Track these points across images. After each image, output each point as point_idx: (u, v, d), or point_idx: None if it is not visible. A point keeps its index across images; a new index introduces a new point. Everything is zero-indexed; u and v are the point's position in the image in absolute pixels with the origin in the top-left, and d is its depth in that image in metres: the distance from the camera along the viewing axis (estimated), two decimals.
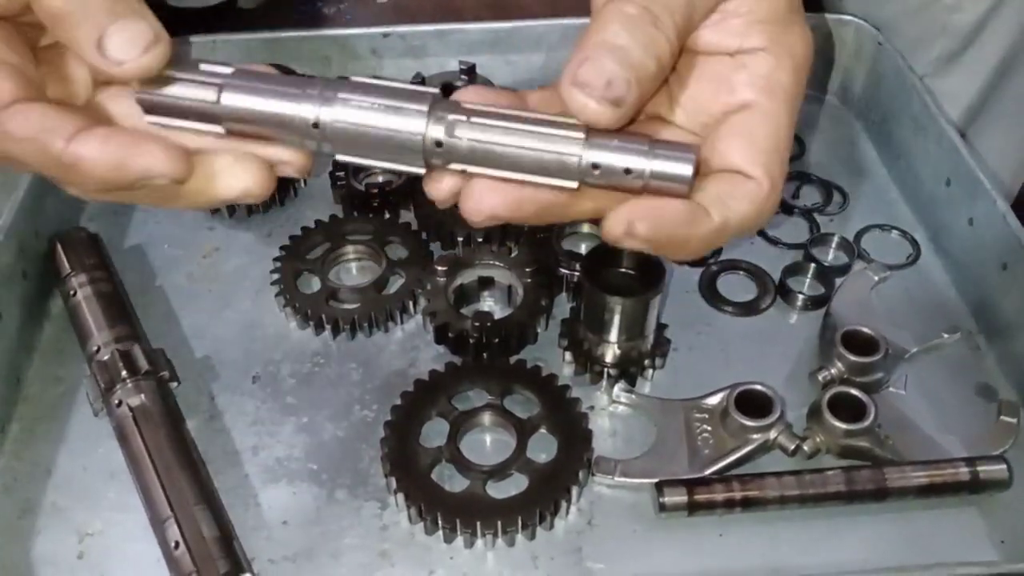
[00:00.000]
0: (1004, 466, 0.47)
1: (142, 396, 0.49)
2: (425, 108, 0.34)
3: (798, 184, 0.66)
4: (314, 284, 0.58)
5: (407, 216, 0.63)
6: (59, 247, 0.56)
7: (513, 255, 0.58)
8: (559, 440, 0.49)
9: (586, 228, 0.61)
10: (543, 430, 0.50)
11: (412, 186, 0.63)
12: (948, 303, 0.58)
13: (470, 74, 0.67)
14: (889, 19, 0.69)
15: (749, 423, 0.48)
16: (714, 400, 0.51)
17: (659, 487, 0.47)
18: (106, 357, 0.51)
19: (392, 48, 0.69)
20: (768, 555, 0.46)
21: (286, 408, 0.53)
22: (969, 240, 0.57)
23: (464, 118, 0.34)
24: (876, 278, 0.58)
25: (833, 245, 0.62)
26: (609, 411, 0.52)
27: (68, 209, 0.62)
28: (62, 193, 0.58)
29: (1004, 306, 0.54)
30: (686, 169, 0.34)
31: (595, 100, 0.35)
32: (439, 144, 0.34)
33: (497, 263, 0.57)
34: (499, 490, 0.47)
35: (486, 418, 0.51)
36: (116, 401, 0.49)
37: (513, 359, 0.54)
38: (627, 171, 0.34)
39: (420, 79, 0.66)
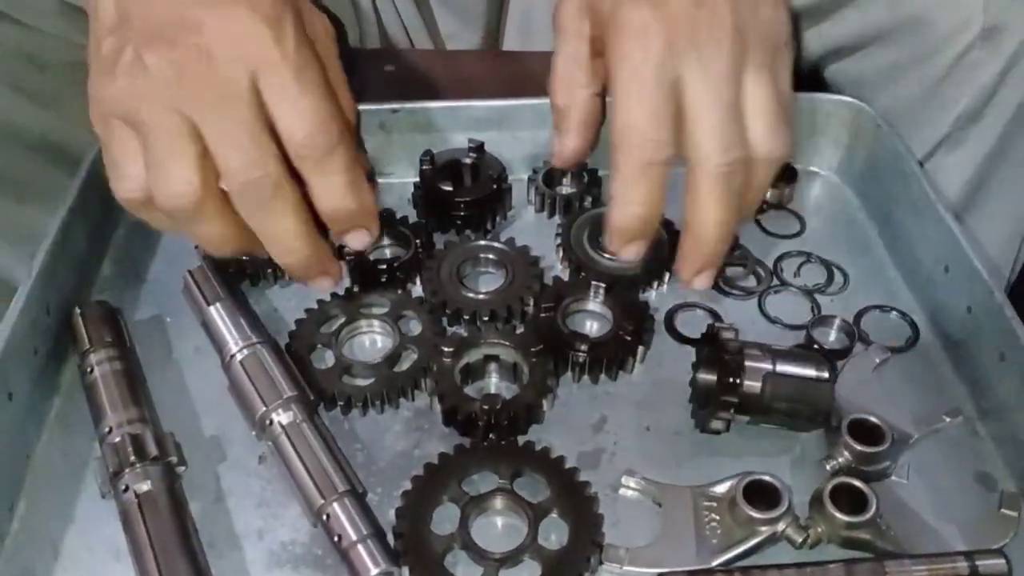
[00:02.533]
0: (1003, 560, 0.46)
1: (149, 483, 0.49)
2: None
3: (800, 263, 0.66)
4: (328, 358, 0.58)
5: (416, 290, 0.63)
6: (79, 321, 0.56)
7: (518, 333, 0.58)
8: (570, 525, 0.48)
9: (591, 306, 0.61)
10: (554, 515, 0.49)
11: (419, 260, 0.63)
12: (947, 387, 0.57)
13: (479, 151, 0.67)
14: (888, 105, 0.69)
15: (757, 515, 0.48)
16: (722, 488, 0.50)
17: None
18: (117, 439, 0.50)
19: (401, 123, 0.69)
20: None
21: (292, 490, 0.51)
22: (968, 327, 0.57)
23: None
24: (877, 360, 0.58)
25: (835, 327, 0.61)
26: (616, 495, 0.52)
27: (79, 281, 0.61)
28: (73, 265, 0.60)
29: (1002, 394, 0.53)
30: None
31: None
32: None
33: (503, 342, 0.57)
34: None
35: (497, 502, 0.50)
36: (123, 486, 0.48)
37: (522, 440, 0.53)
38: None
39: (429, 155, 0.67)
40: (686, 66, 0.49)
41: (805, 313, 0.63)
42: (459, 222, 0.67)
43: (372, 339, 0.60)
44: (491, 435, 0.53)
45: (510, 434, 0.54)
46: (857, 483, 0.49)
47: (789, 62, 0.53)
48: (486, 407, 0.53)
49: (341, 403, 0.55)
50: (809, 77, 0.78)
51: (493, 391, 0.57)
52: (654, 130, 0.49)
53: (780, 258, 0.66)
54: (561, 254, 0.65)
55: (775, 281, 0.65)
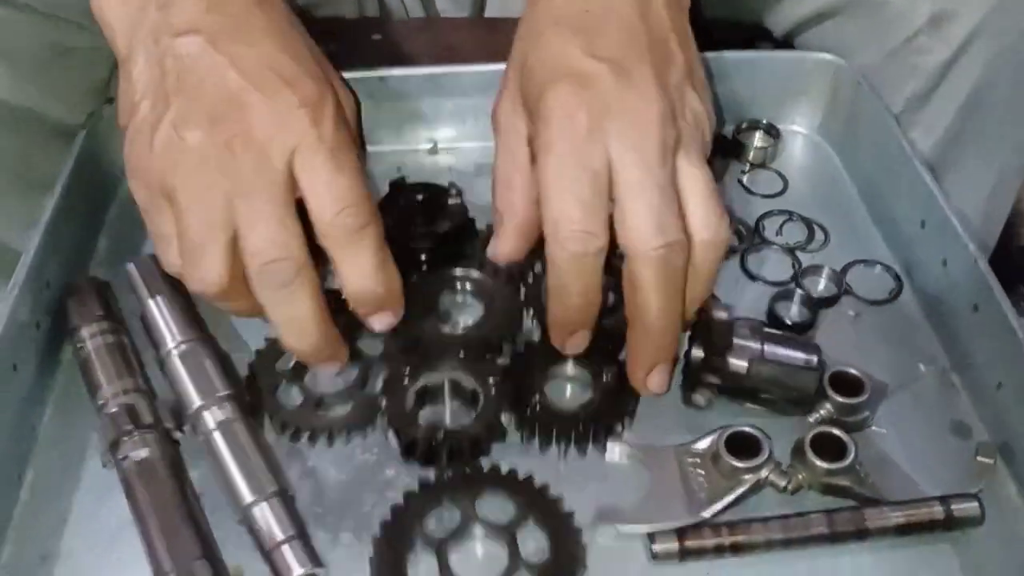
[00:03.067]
0: (976, 503, 0.48)
1: (146, 450, 0.50)
2: None
3: (782, 221, 0.67)
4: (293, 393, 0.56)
5: None
6: (68, 299, 0.57)
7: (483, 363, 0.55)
8: (549, 534, 0.48)
9: (569, 371, 0.56)
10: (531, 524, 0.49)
11: None
12: (923, 339, 0.59)
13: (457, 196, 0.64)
14: (863, 64, 0.70)
15: (741, 465, 0.49)
16: (704, 444, 0.52)
17: (651, 536, 0.48)
18: (113, 410, 0.51)
19: (389, 91, 0.70)
20: None
21: (292, 452, 0.53)
22: (943, 280, 0.58)
23: None
24: (853, 314, 0.60)
25: (823, 276, 0.63)
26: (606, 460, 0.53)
27: (76, 257, 0.62)
28: (70, 243, 0.61)
29: (975, 345, 0.55)
30: None
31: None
32: None
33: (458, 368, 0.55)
34: None
35: (471, 533, 0.49)
36: (122, 455, 0.50)
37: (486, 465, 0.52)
38: None
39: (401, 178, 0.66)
40: (614, 148, 0.47)
41: (787, 270, 0.64)
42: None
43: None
44: (445, 462, 0.52)
45: (470, 459, 0.52)
46: (837, 432, 0.51)
47: (707, 155, 0.52)
48: (435, 435, 0.51)
49: (323, 435, 0.54)
50: (782, 45, 0.80)
51: (449, 418, 0.55)
52: (584, 220, 0.47)
53: (762, 217, 0.67)
54: (532, 313, 0.59)
55: (757, 239, 0.66)
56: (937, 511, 0.49)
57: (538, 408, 0.53)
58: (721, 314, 0.53)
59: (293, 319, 0.50)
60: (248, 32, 0.50)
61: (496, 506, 0.50)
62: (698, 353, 0.54)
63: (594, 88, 0.48)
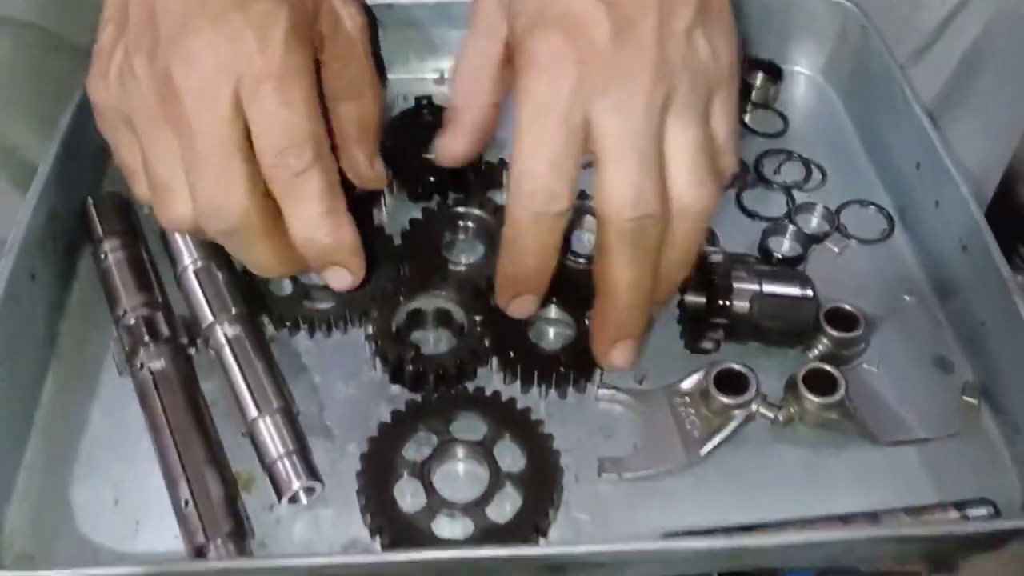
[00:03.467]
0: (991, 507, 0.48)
1: (162, 360, 0.51)
2: None
3: (781, 160, 0.68)
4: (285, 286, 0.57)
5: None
6: (92, 211, 0.58)
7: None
8: (524, 448, 0.50)
9: (552, 313, 0.57)
10: (506, 440, 0.51)
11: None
12: (914, 278, 0.61)
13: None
14: (880, 3, 0.70)
15: (730, 401, 0.51)
16: (691, 383, 0.53)
17: None
18: (131, 322, 0.53)
19: (396, 19, 0.70)
20: (748, 501, 0.49)
21: (299, 369, 0.55)
22: (935, 221, 0.59)
23: None
24: (847, 251, 0.62)
25: (816, 214, 0.64)
26: (597, 406, 0.54)
27: (91, 173, 0.63)
28: (85, 161, 0.62)
29: (962, 285, 0.57)
30: None
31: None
32: None
33: (445, 294, 0.56)
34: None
35: (455, 453, 0.51)
36: (139, 364, 0.52)
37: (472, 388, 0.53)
38: None
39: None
40: (597, 107, 0.43)
41: (781, 207, 0.65)
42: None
43: None
44: (429, 386, 0.53)
45: (453, 384, 0.53)
46: (828, 368, 0.52)
47: (731, 99, 0.47)
48: (418, 357, 0.53)
49: (305, 326, 0.56)
50: None
51: (433, 344, 0.56)
52: (550, 179, 0.44)
53: (762, 155, 0.69)
54: None
55: (754, 177, 0.67)
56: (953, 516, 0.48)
57: (520, 350, 0.54)
58: (717, 257, 0.54)
59: (254, 262, 0.48)
60: None
61: (472, 426, 0.52)
62: (699, 299, 0.55)
63: (586, 37, 0.44)
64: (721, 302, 0.53)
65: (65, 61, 0.66)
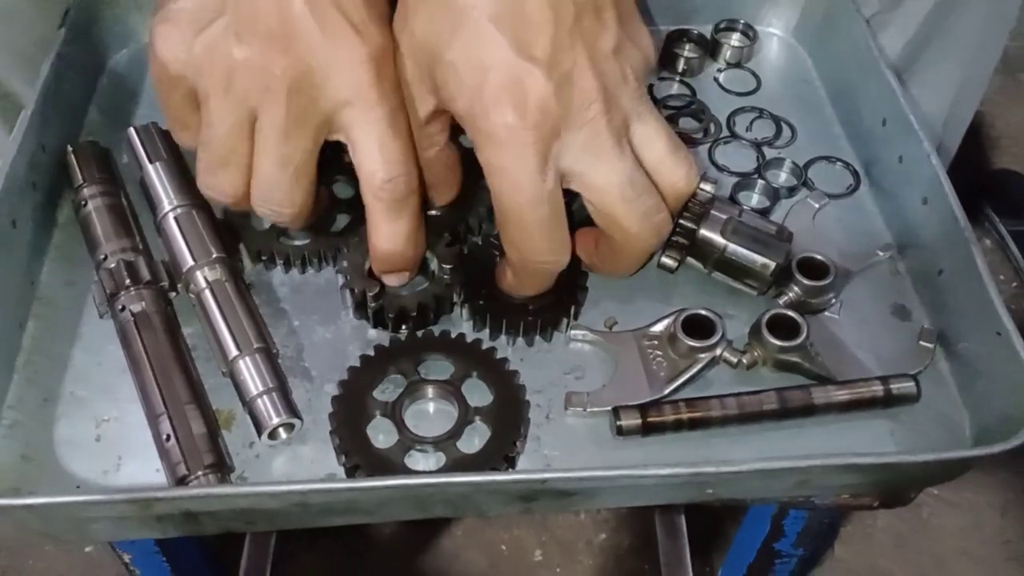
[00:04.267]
0: (912, 383, 0.52)
1: (143, 303, 0.53)
2: None
3: (752, 118, 0.69)
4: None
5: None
6: (73, 159, 0.59)
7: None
8: (492, 387, 0.52)
9: None
10: (475, 378, 0.52)
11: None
12: (877, 231, 0.62)
13: None
14: None
15: (696, 344, 0.53)
16: (661, 327, 0.55)
17: (615, 412, 0.51)
18: (112, 265, 0.54)
19: None
20: (709, 457, 0.51)
21: (278, 313, 0.56)
22: (898, 175, 0.61)
23: None
24: (816, 206, 0.62)
25: (784, 169, 0.66)
26: (568, 349, 0.55)
27: (70, 124, 0.64)
28: (64, 109, 0.63)
29: (922, 236, 0.58)
30: None
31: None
32: None
33: None
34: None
35: (424, 393, 0.53)
36: (120, 306, 0.52)
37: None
38: None
39: None
40: (568, 159, 0.47)
41: (752, 162, 0.67)
42: None
43: None
44: (391, 324, 0.55)
45: (419, 326, 0.55)
46: (791, 313, 0.54)
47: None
48: (380, 296, 0.54)
49: (281, 262, 0.57)
50: None
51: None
52: (546, 250, 0.49)
53: (734, 113, 0.70)
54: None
55: (726, 134, 0.69)
56: (878, 389, 0.52)
57: (490, 297, 0.55)
58: (707, 187, 0.55)
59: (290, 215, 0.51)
60: None
61: (440, 367, 0.54)
62: (676, 219, 0.56)
63: (533, 102, 0.45)
64: (686, 222, 0.55)
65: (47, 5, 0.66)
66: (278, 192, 0.49)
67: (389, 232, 0.50)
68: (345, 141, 0.49)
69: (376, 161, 0.48)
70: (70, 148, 0.60)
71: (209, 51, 0.47)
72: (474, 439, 0.51)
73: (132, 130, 0.60)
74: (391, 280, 0.54)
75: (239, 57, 0.46)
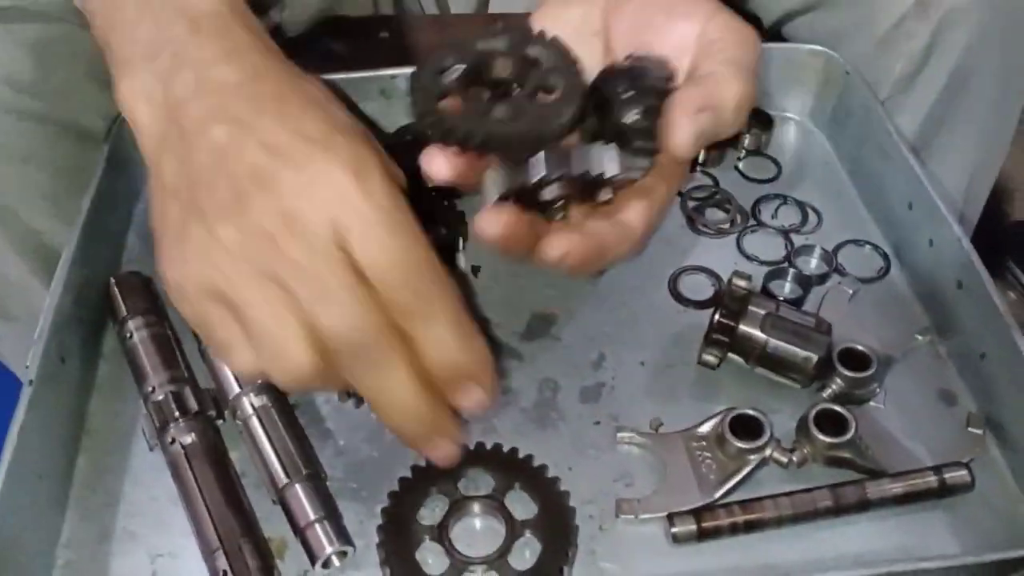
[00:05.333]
0: (966, 472, 0.51)
1: (192, 435, 0.53)
2: None
3: (777, 205, 0.70)
4: None
5: None
6: (116, 291, 0.60)
7: None
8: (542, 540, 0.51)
9: None
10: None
11: None
12: (913, 314, 0.62)
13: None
14: (852, 52, 0.72)
15: (745, 446, 0.52)
16: (708, 427, 0.55)
17: (670, 519, 0.50)
18: (160, 398, 0.54)
19: (399, 88, 0.72)
20: (767, 560, 0.50)
21: (325, 434, 0.56)
22: (930, 258, 0.61)
23: None
24: (850, 292, 0.62)
25: (815, 255, 0.66)
26: (618, 452, 0.55)
27: (111, 254, 0.65)
28: (104, 240, 0.64)
29: (961, 319, 0.58)
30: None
31: (692, 142, 0.47)
32: None
33: None
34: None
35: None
36: (169, 439, 0.53)
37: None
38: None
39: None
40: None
41: (780, 250, 0.67)
42: None
43: None
44: None
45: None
46: (838, 408, 0.53)
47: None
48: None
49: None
50: (772, 34, 0.82)
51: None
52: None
53: (758, 201, 0.70)
54: None
55: (752, 222, 0.69)
56: (932, 481, 0.52)
57: None
58: (741, 283, 0.56)
59: (389, 394, 0.44)
60: (278, 103, 0.45)
61: (481, 481, 0.53)
62: (716, 316, 0.56)
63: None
64: (725, 320, 0.55)
65: (79, 147, 0.68)
66: (346, 328, 0.43)
67: (431, 342, 0.44)
68: None
69: (381, 267, 0.43)
70: (112, 280, 0.61)
71: (201, 251, 0.44)
72: (525, 553, 0.50)
73: None
74: (467, 401, 0.46)
75: (226, 239, 0.43)
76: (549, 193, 0.48)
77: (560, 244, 0.48)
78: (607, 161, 0.48)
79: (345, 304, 0.42)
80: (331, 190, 0.42)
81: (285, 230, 0.42)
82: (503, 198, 0.48)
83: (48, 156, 0.67)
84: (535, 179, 0.48)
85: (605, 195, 0.49)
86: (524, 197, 0.48)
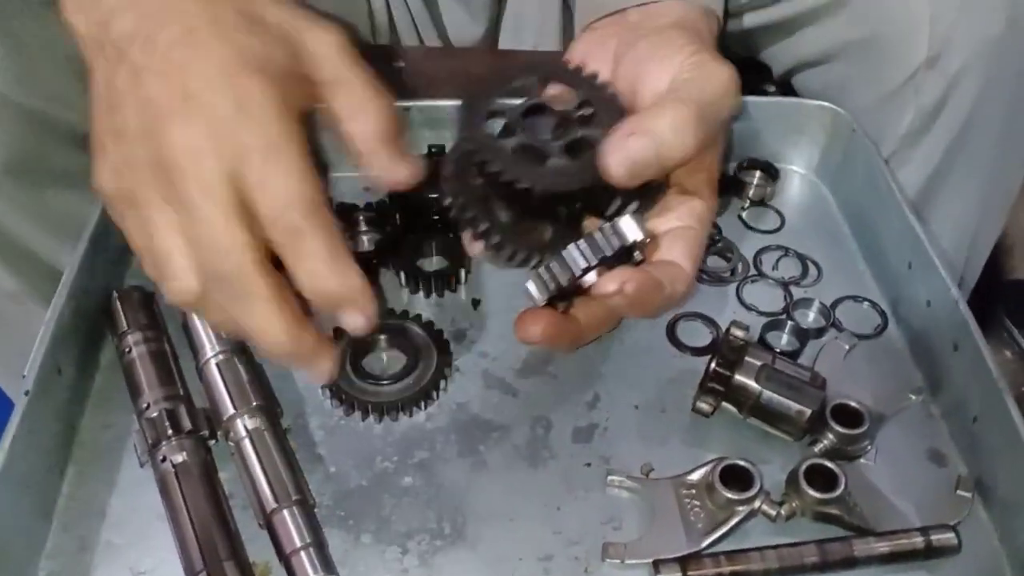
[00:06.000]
0: (953, 535, 0.51)
1: (184, 454, 0.53)
2: None
3: (778, 256, 0.70)
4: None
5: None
6: (118, 305, 0.59)
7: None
8: None
9: None
10: None
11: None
12: (907, 372, 0.62)
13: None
14: (862, 104, 0.73)
15: (734, 496, 0.52)
16: (698, 475, 0.54)
17: (655, 566, 0.50)
18: (154, 415, 0.54)
19: (412, 119, 0.73)
20: None
21: (315, 459, 0.56)
22: (927, 318, 0.61)
23: None
24: (846, 347, 0.62)
25: (813, 309, 0.66)
26: (605, 495, 0.55)
27: (115, 267, 0.65)
28: (110, 253, 0.65)
29: (955, 380, 0.58)
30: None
31: (624, 167, 0.50)
32: None
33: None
34: None
35: None
36: (161, 456, 0.52)
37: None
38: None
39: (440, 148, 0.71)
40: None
41: (779, 301, 0.67)
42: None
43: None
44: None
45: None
46: (828, 464, 0.53)
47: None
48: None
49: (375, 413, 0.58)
50: (781, 83, 0.84)
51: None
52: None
53: (760, 251, 0.71)
54: None
55: (753, 272, 0.69)
56: (918, 542, 0.52)
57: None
58: (739, 332, 0.56)
59: (255, 328, 0.48)
60: (195, 33, 0.48)
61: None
62: (712, 364, 0.57)
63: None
64: (721, 369, 0.56)
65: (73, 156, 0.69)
66: (221, 259, 0.47)
67: (301, 272, 0.47)
68: None
69: (264, 202, 0.47)
70: (115, 294, 0.61)
71: (120, 165, 0.48)
72: None
73: None
74: (347, 322, 0.50)
75: (134, 158, 0.48)
76: (589, 279, 0.52)
77: (614, 277, 0.51)
78: (630, 231, 0.52)
79: (218, 239, 0.46)
80: (222, 130, 0.46)
81: (180, 163, 0.46)
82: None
83: (41, 165, 0.67)
84: (577, 273, 0.52)
85: (638, 257, 0.54)
86: (564, 288, 0.52)
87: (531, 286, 0.53)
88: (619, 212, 0.55)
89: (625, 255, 0.53)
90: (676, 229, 0.56)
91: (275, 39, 0.49)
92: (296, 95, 0.49)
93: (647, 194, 0.55)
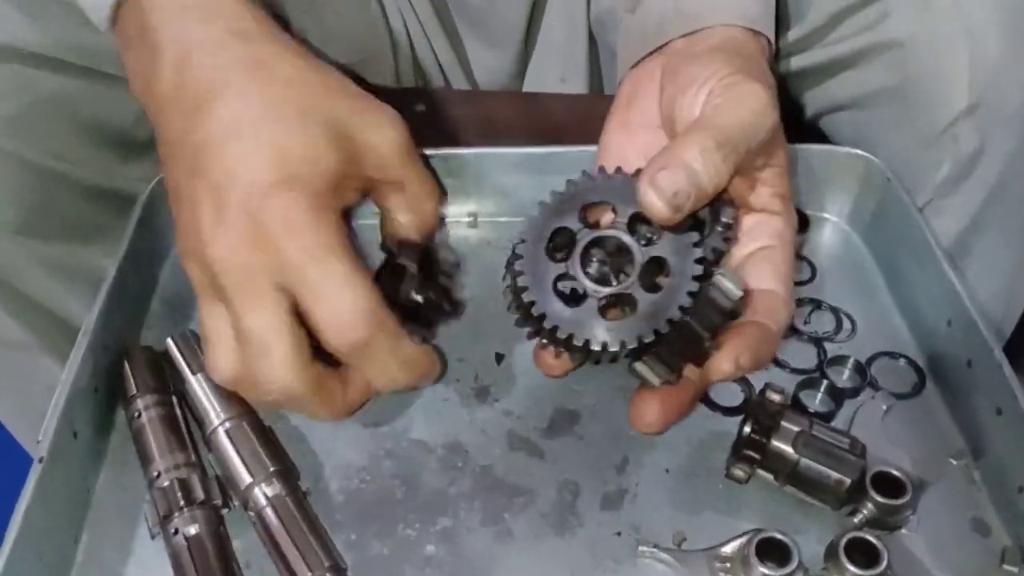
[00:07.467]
0: None
1: (196, 525, 0.51)
2: None
3: (810, 310, 0.68)
4: None
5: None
6: (126, 367, 0.58)
7: None
8: None
9: None
10: None
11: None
12: (948, 435, 0.59)
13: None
14: (898, 149, 0.71)
15: (772, 572, 0.50)
16: (732, 548, 0.52)
17: None
18: (165, 484, 0.52)
19: (434, 167, 0.72)
20: None
21: (335, 525, 0.54)
22: (967, 380, 0.59)
23: None
24: (884, 407, 0.60)
25: (848, 367, 0.64)
26: (636, 566, 0.53)
27: (132, 320, 0.64)
28: (128, 305, 0.64)
29: (997, 447, 0.56)
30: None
31: (663, 201, 0.49)
32: None
33: None
34: None
35: None
36: (173, 529, 0.51)
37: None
38: None
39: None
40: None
41: (812, 358, 0.65)
42: None
43: None
44: None
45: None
46: (870, 537, 0.51)
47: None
48: None
49: None
50: (810, 127, 0.81)
51: None
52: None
53: None
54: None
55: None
56: None
57: None
58: (775, 396, 0.54)
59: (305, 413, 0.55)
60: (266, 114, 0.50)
61: None
62: (746, 428, 0.54)
63: None
64: (756, 436, 0.53)
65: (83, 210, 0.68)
66: (270, 372, 0.51)
67: (377, 377, 0.53)
68: None
69: (322, 317, 0.50)
70: (123, 357, 0.59)
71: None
72: None
73: (170, 340, 0.59)
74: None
75: (191, 268, 0.52)
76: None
77: (727, 356, 0.51)
78: (731, 290, 0.51)
79: (274, 370, 0.49)
80: (265, 248, 0.48)
81: (226, 279, 0.48)
82: None
83: (53, 212, 0.67)
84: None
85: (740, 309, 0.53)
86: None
87: (644, 371, 0.53)
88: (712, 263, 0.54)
89: (730, 316, 0.52)
90: (756, 252, 0.55)
91: (329, 141, 0.50)
92: (342, 197, 0.52)
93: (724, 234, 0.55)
